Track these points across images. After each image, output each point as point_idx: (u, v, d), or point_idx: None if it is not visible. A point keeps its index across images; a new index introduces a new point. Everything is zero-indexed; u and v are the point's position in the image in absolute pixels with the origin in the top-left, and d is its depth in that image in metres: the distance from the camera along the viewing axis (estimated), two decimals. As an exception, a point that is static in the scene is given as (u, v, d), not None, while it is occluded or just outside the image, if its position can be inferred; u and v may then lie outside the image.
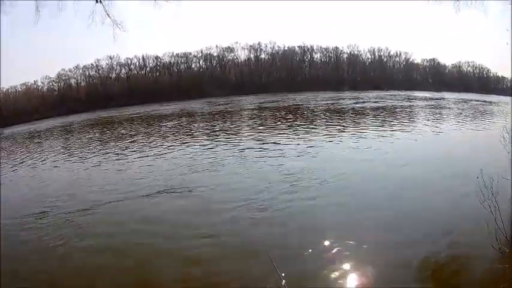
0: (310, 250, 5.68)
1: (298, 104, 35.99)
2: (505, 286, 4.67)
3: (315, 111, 28.20)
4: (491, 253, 5.26)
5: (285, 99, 44.62)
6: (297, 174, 9.51)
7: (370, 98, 42.74)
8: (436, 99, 42.88)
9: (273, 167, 10.57)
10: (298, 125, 19.95)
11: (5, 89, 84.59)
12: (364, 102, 36.35)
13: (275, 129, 18.46)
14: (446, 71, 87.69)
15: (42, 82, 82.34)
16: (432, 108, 30.51)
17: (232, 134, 18.36)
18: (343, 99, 41.48)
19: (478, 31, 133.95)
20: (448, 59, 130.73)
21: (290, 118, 23.80)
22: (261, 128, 19.67)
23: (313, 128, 18.58)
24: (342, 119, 22.62)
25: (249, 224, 6.79)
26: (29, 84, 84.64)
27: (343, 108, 30.54)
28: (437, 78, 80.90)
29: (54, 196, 9.83)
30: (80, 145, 20.25)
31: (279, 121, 22.36)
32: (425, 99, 42.22)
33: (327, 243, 5.90)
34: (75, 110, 67.58)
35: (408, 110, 28.72)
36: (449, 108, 30.45)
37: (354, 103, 35.35)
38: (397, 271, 5.05)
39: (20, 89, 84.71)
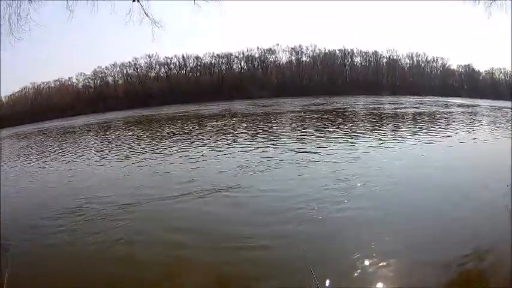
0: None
1: (344, 108, 35.86)
2: None
3: (362, 115, 27.95)
4: None
5: (329, 102, 44.58)
6: (352, 181, 8.86)
7: (413, 103, 42.54)
8: (472, 106, 42.63)
9: (327, 172, 9.93)
10: (348, 129, 19.41)
11: (36, 84, 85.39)
12: (406, 107, 36.20)
13: (325, 133, 17.97)
14: (480, 77, 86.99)
15: (77, 79, 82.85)
16: (475, 115, 30.16)
17: (281, 136, 17.81)
18: (386, 103, 41.32)
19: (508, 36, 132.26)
20: (481, 65, 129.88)
21: (339, 122, 23.35)
22: (310, 130, 19.11)
23: (363, 133, 18.12)
24: (391, 124, 22.26)
25: (298, 239, 5.98)
26: (63, 80, 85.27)
27: (388, 113, 30.25)
28: (472, 85, 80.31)
29: (92, 192, 9.45)
30: (122, 142, 19.81)
31: (329, 124, 21.89)
32: (463, 105, 41.97)
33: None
34: (113, 107, 68.12)
35: (452, 116, 28.33)
36: (492, 116, 30.01)
37: (398, 108, 35.29)
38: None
39: (53, 85, 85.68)
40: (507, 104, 49.12)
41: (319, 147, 13.76)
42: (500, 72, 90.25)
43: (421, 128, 19.50)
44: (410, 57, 74.31)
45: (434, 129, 19.25)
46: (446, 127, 20.37)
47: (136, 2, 8.04)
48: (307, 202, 7.42)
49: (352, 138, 16.11)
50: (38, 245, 6.40)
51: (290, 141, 15.47)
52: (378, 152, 12.68)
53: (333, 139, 15.56)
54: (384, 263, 5.04)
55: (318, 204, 7.28)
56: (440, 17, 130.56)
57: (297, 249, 5.38)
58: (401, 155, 12.35)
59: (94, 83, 79.69)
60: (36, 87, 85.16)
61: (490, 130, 19.41)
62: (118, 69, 75.38)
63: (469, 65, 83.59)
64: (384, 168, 10.00)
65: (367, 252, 5.33)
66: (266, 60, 68.88)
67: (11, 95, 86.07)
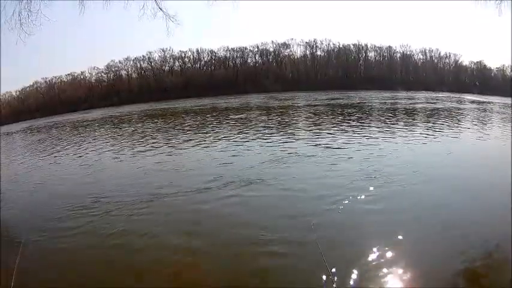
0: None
1: (362, 102, 35.83)
2: None
3: (383, 110, 27.75)
4: None
5: (345, 97, 44.64)
6: (377, 178, 8.61)
7: (429, 98, 42.76)
8: (488, 102, 42.64)
9: (350, 167, 9.71)
10: (371, 125, 19.06)
11: (48, 79, 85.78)
12: (427, 102, 36.26)
13: (348, 128, 17.71)
14: (492, 74, 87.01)
15: (89, 73, 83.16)
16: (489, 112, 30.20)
17: (304, 129, 17.56)
18: (404, 99, 41.44)
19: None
20: (493, 62, 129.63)
21: (360, 117, 23.08)
22: (332, 125, 18.94)
23: (386, 128, 17.69)
24: (414, 119, 22.09)
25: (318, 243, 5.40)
26: (76, 74, 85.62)
27: (408, 108, 30.26)
28: (484, 82, 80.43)
29: (111, 186, 9.39)
30: (141, 135, 19.53)
31: (349, 119, 21.57)
32: (477, 102, 42.02)
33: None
34: (126, 101, 68.43)
35: (467, 112, 28.30)
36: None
37: (416, 103, 35.49)
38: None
39: (65, 79, 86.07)
40: None
41: (345, 142, 13.40)
42: (511, 70, 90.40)
43: (442, 124, 19.21)
44: (424, 53, 74.50)
45: (453, 125, 19.08)
46: (465, 124, 19.98)
47: None
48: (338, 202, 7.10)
49: (373, 133, 15.82)
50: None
51: (316, 136, 15.19)
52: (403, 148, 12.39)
53: (357, 135, 15.22)
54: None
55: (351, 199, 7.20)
56: (453, 14, 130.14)
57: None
58: (433, 151, 12.03)
59: (107, 76, 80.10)
60: (48, 81, 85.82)
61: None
62: (131, 63, 75.87)
63: (480, 61, 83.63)
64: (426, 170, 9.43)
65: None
66: (281, 54, 69.16)
67: (22, 90, 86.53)
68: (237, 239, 5.88)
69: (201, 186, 8.56)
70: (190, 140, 16.07)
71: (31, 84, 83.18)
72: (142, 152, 14.18)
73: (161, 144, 15.47)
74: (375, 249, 5.18)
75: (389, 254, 5.06)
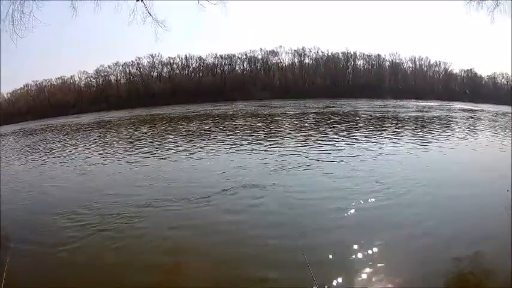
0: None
1: (356, 111, 35.72)
2: None
3: (377, 119, 27.88)
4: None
5: (335, 105, 44.53)
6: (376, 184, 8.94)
7: (420, 107, 42.59)
8: (478, 111, 42.64)
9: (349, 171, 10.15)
10: (368, 132, 19.42)
11: (38, 81, 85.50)
12: (420, 111, 36.23)
13: (347, 134, 18.15)
14: (483, 82, 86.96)
15: (79, 77, 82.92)
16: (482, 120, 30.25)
17: (302, 137, 17.82)
18: (397, 108, 41.30)
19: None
20: (483, 70, 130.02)
21: (359, 125, 23.54)
22: (328, 133, 19.20)
23: (381, 135, 18.31)
24: (409, 128, 22.30)
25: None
26: (65, 78, 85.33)
27: (401, 116, 30.20)
28: (474, 90, 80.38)
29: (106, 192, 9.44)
30: (131, 142, 19.66)
31: (351, 127, 22.02)
32: (468, 110, 41.99)
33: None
34: (115, 106, 68.14)
35: (458, 121, 28.39)
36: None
37: (407, 112, 35.36)
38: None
39: (55, 83, 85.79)
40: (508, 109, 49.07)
41: (338, 149, 13.85)
42: (503, 77, 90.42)
43: (433, 132, 19.58)
44: (413, 61, 74.42)
45: (446, 133, 19.34)
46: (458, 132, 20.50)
47: (140, 1, 8.04)
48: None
49: (369, 140, 16.15)
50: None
51: (313, 142, 15.55)
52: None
53: (353, 141, 15.73)
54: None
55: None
56: (443, 23, 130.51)
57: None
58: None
59: (96, 81, 79.86)
60: (38, 84, 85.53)
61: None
62: (120, 68, 75.70)
63: (471, 69, 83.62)
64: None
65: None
66: (269, 62, 69.02)
67: (13, 92, 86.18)
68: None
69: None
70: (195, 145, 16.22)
71: (22, 86, 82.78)
72: (133, 158, 14.25)
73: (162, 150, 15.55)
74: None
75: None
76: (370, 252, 5.52)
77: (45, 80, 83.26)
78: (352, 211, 7.28)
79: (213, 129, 22.94)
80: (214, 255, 5.76)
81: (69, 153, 17.14)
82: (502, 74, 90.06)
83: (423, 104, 50.85)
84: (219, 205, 7.86)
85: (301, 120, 27.03)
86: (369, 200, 7.80)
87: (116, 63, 76.78)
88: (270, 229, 6.62)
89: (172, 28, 9.63)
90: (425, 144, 15.26)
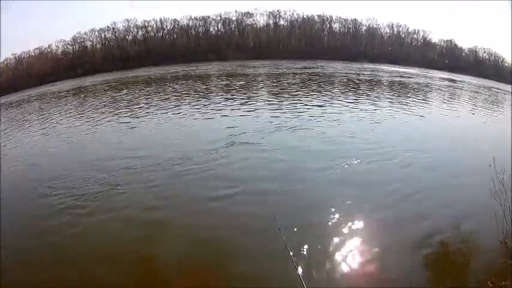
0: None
1: (338, 73, 36.03)
2: (507, 284, 4.37)
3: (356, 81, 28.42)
4: (497, 246, 5.12)
5: (316, 66, 44.48)
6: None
7: (401, 73, 42.75)
8: (459, 81, 42.88)
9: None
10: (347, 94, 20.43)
11: (17, 54, 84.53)
12: (402, 77, 36.64)
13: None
14: (463, 54, 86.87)
15: (56, 45, 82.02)
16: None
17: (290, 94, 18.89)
18: (381, 71, 41.39)
19: (497, 17, 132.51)
20: (465, 42, 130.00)
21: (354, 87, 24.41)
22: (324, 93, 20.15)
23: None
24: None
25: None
26: (43, 48, 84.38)
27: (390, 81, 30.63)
28: (454, 60, 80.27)
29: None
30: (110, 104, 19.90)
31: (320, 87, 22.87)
32: (449, 80, 42.23)
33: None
34: (91, 71, 67.54)
35: (439, 89, 29.09)
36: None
37: (395, 76, 35.68)
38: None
39: (33, 54, 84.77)
40: (491, 83, 49.48)
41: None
42: (484, 52, 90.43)
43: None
44: (391, 27, 74.11)
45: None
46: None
47: None
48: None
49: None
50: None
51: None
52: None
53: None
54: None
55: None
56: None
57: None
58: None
59: (73, 48, 78.92)
60: (17, 57, 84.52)
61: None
62: (96, 33, 74.72)
63: (451, 40, 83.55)
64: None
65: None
66: (243, 23, 68.34)
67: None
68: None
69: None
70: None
71: (2, 61, 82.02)
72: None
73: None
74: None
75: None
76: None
77: (24, 52, 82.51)
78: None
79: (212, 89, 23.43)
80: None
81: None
82: (484, 48, 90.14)
83: (402, 70, 50.89)
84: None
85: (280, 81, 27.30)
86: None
87: (92, 30, 75.93)
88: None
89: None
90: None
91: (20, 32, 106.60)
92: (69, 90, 36.10)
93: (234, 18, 68.52)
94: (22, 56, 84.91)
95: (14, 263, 5.24)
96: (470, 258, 5.12)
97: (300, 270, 4.14)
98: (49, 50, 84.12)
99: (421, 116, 15.13)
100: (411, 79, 35.08)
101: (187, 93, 21.35)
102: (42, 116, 19.21)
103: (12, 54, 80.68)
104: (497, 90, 37.46)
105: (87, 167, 8.84)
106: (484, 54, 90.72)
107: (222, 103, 16.89)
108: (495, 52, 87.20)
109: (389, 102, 18.12)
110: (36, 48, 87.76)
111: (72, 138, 12.54)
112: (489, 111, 19.52)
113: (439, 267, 4.89)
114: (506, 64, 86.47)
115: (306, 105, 15.88)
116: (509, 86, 50.65)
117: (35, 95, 37.70)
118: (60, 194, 7.38)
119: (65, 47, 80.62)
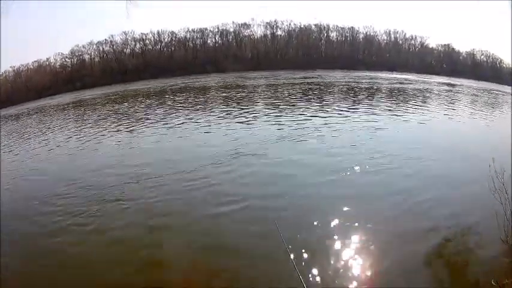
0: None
1: (337, 81, 36.00)
2: (510, 282, 4.32)
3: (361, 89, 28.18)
4: (498, 245, 5.19)
5: (313, 76, 44.55)
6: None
7: (401, 79, 42.69)
8: (458, 85, 42.88)
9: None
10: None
11: (15, 67, 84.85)
12: (401, 84, 36.51)
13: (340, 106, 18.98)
14: (460, 57, 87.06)
15: (55, 59, 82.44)
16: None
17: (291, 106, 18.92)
18: (380, 79, 41.32)
19: (494, 19, 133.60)
20: (462, 46, 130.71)
21: (354, 95, 24.35)
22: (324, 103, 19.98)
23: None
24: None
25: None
26: (41, 61, 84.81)
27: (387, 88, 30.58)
28: (451, 64, 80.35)
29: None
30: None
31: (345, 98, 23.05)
32: (448, 84, 42.27)
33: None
34: (89, 85, 67.55)
35: (439, 94, 29.11)
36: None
37: (393, 83, 35.60)
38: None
39: (32, 67, 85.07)
40: (490, 86, 49.53)
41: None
42: (482, 54, 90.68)
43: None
44: (388, 34, 74.58)
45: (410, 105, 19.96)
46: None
47: None
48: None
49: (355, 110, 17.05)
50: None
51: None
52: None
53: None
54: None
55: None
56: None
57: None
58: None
59: (71, 62, 79.30)
60: (15, 70, 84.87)
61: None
62: (94, 47, 75.13)
63: (448, 44, 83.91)
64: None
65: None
66: (241, 35, 68.74)
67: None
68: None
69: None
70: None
71: (1, 73, 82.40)
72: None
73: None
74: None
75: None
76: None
77: (22, 65, 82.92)
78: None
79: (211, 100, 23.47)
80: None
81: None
82: (482, 50, 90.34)
83: (400, 76, 50.95)
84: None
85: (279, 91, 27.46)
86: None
87: (90, 43, 76.34)
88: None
89: (144, 4, 9.49)
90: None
91: (19, 33, 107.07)
92: (69, 103, 36.03)
93: (231, 30, 69.30)
94: (20, 69, 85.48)
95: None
96: (472, 257, 5.16)
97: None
98: (47, 63, 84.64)
99: (422, 122, 15.04)
100: (410, 85, 35.00)
101: (188, 106, 21.18)
102: (40, 130, 19.18)
103: (10, 67, 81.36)
104: (496, 92, 37.35)
105: (87, 182, 8.81)
106: (482, 57, 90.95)
107: (223, 115, 16.74)
108: (493, 54, 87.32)
109: (390, 110, 17.97)
110: (35, 61, 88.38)
111: (73, 153, 12.43)
112: (489, 114, 19.62)
113: (441, 266, 4.92)
114: (504, 65, 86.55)
115: (307, 115, 15.72)
116: (509, 87, 50.67)
117: (34, 108, 37.60)
118: (59, 211, 7.23)
119: (63, 60, 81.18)
